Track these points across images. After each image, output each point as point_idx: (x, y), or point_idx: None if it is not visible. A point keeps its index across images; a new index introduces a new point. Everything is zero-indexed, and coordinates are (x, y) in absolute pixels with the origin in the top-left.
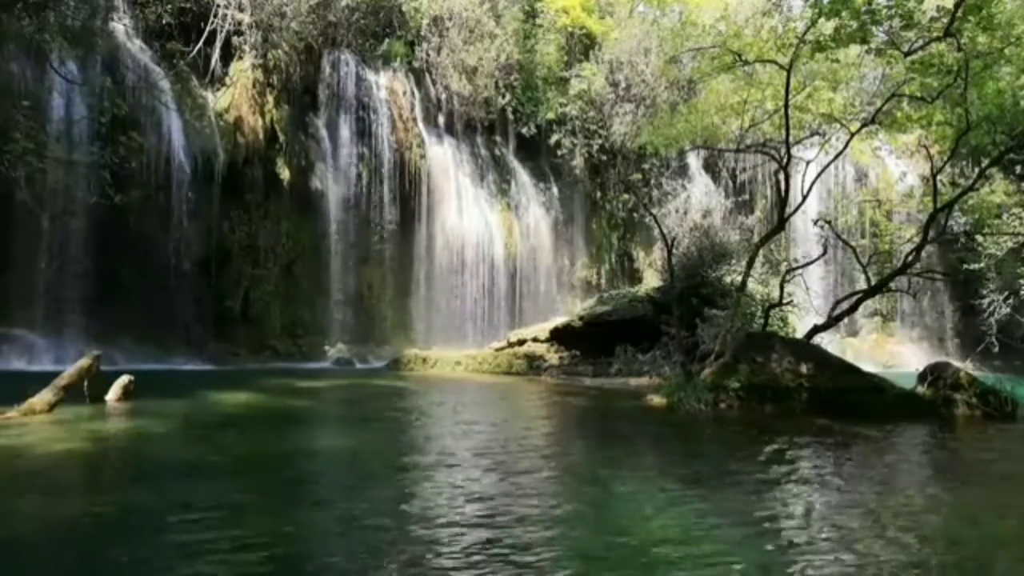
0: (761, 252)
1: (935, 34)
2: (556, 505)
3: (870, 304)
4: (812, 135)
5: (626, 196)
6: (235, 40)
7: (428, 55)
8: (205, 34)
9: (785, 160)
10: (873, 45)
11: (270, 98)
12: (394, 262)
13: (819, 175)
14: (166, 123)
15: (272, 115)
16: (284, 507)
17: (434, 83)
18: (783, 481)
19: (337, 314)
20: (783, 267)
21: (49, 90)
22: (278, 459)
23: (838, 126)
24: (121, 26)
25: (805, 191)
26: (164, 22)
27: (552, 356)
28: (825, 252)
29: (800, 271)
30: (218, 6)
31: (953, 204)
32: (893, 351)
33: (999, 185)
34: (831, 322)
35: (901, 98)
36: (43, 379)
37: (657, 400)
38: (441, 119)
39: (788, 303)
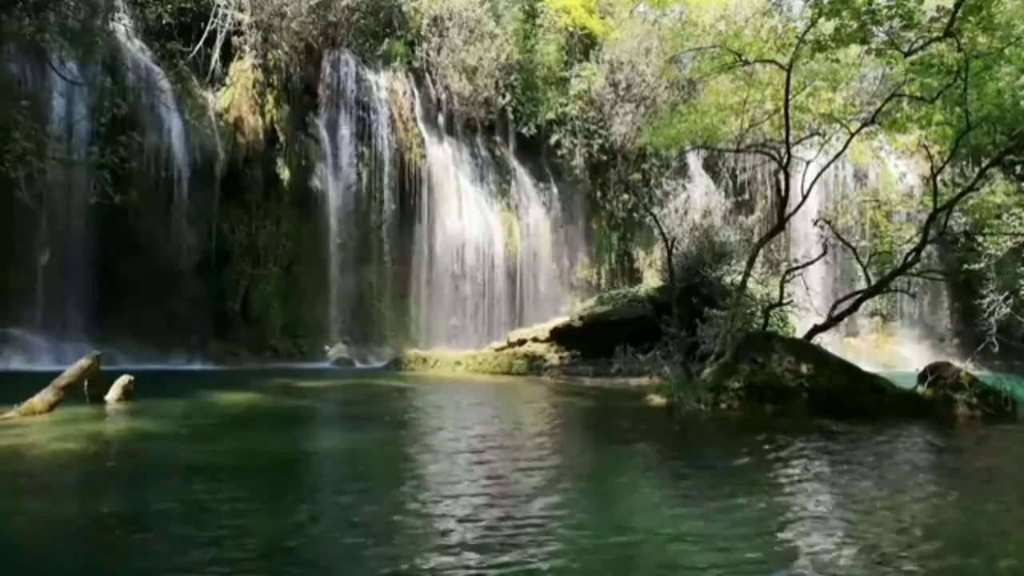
0: (761, 252)
1: (935, 34)
2: (556, 505)
3: (870, 304)
4: (812, 135)
5: (626, 196)
6: (235, 40)
7: (428, 55)
8: (205, 34)
9: (785, 160)
10: (873, 45)
11: (270, 98)
12: (394, 262)
13: (819, 175)
14: (166, 123)
15: (272, 115)
16: (285, 508)
17: (434, 83)
18: (784, 481)
19: (337, 314)
20: (783, 267)
21: (49, 90)
22: (278, 460)
23: (838, 126)
24: (121, 26)
25: (805, 191)
26: (164, 22)
27: (552, 356)
28: (825, 252)
29: (800, 271)
30: (218, 6)
31: (953, 204)
32: (893, 351)
33: (999, 185)
34: (831, 322)
35: (901, 98)
36: (43, 379)
37: (657, 400)
38: (441, 119)
39: (788, 303)
